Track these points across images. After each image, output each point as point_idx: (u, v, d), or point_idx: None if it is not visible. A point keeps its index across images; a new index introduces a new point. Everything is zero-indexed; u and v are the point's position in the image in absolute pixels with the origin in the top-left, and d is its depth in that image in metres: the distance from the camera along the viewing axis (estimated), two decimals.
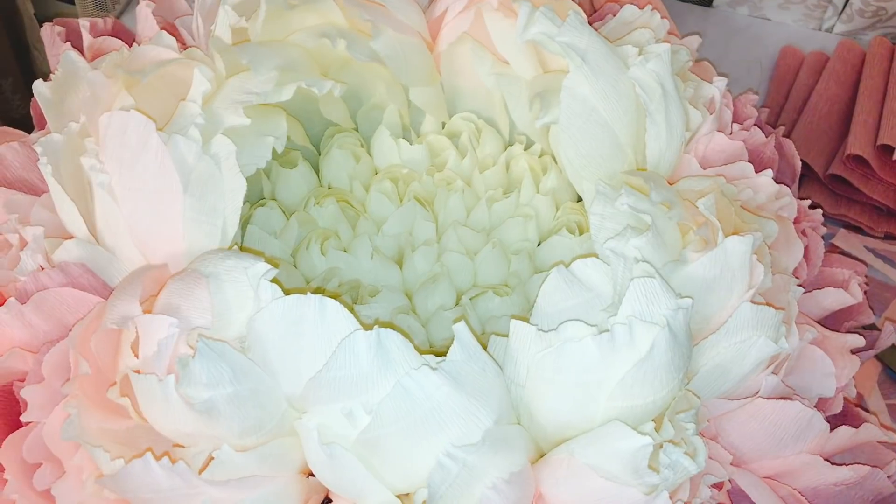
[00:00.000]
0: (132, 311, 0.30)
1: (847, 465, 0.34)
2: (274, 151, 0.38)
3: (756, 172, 0.40)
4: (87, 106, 0.37)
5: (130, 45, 0.43)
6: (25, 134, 0.43)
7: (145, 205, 0.34)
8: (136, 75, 0.36)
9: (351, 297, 0.40)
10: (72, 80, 0.38)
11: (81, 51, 0.44)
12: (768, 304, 0.33)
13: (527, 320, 0.32)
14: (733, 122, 0.43)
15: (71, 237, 0.35)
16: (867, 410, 0.42)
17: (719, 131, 0.41)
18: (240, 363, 0.28)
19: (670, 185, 0.38)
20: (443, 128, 0.47)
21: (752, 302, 0.33)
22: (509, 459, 0.29)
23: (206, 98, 0.36)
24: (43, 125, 0.43)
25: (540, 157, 0.45)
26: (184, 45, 0.42)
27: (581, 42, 0.37)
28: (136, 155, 0.34)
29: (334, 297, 0.29)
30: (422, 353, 0.29)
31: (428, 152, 0.45)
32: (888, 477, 0.34)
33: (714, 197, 0.35)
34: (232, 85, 0.37)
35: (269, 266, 0.30)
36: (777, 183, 0.40)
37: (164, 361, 0.29)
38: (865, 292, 0.40)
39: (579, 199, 0.44)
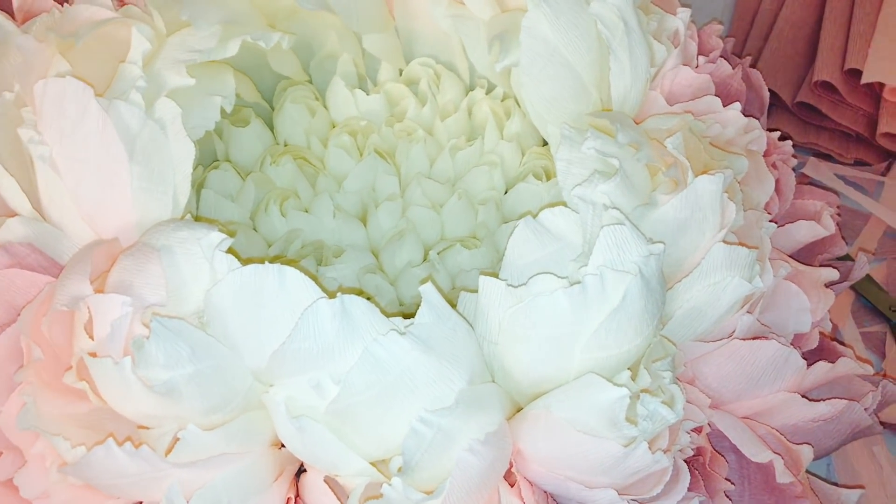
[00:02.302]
0: (83, 291, 0.29)
1: (824, 400, 0.33)
2: (224, 110, 0.36)
3: (724, 106, 0.39)
4: (20, 73, 0.35)
5: (65, 3, 0.40)
6: None
7: (90, 177, 0.33)
8: (70, 38, 0.34)
9: (315, 258, 0.38)
10: (1, 46, 0.36)
11: (11, 13, 0.41)
12: (741, 244, 0.33)
13: (496, 275, 0.31)
14: (699, 54, 0.41)
15: (14, 215, 0.34)
16: (842, 342, 0.42)
17: (685, 65, 0.40)
18: (199, 340, 0.27)
19: (637, 124, 0.37)
20: (400, 75, 0.45)
21: (724, 242, 0.32)
22: (484, 419, 0.29)
23: (146, 59, 0.34)
24: None
25: (503, 100, 0.44)
26: (121, 2, 0.40)
27: None
28: (76, 124, 0.32)
29: (292, 263, 0.27)
30: (389, 316, 0.28)
31: (386, 102, 0.44)
32: (864, 409, 0.34)
33: (682, 135, 0.34)
34: (173, 43, 0.35)
35: (224, 235, 0.29)
36: (745, 115, 0.39)
37: (118, 343, 0.27)
38: (838, 223, 0.40)
39: (545, 143, 0.43)
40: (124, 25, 0.35)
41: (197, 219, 0.38)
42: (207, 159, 0.42)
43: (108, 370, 0.27)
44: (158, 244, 0.29)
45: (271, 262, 0.28)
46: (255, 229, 0.40)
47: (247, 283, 0.28)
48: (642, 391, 0.29)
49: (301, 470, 0.32)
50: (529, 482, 0.31)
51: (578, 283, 0.29)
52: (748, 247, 0.33)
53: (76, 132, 0.32)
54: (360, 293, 0.28)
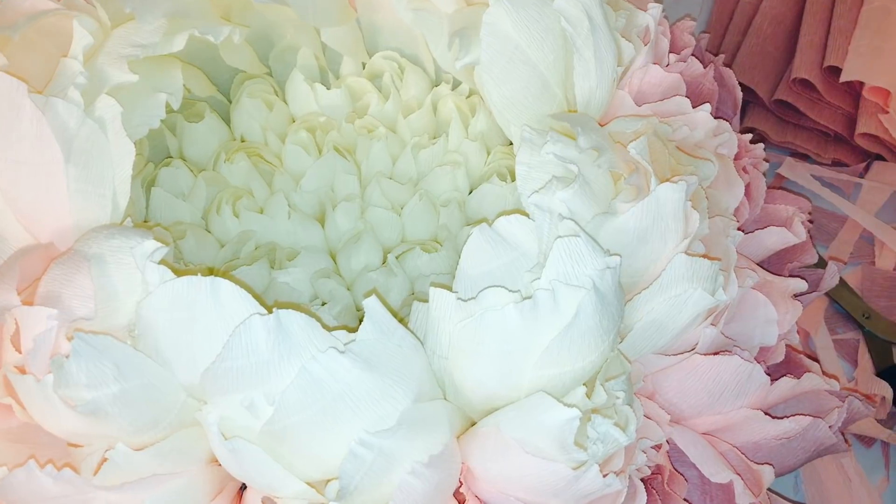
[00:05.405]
0: (9, 302, 0.28)
1: (788, 417, 0.32)
2: (171, 105, 0.35)
3: (694, 106, 0.37)
4: None
5: None
6: None
7: (25, 178, 0.31)
8: (6, 31, 0.33)
9: (268, 261, 0.37)
10: None
11: None
12: (704, 256, 0.31)
13: (449, 288, 0.30)
14: (670, 51, 0.40)
15: None
16: (810, 354, 0.41)
17: (655, 63, 0.38)
18: (126, 357, 0.26)
19: (602, 126, 0.35)
20: (363, 69, 0.44)
21: (686, 253, 0.31)
22: (429, 440, 0.28)
23: (88, 53, 0.33)
24: None
25: (468, 97, 0.42)
26: None
27: None
28: (10, 123, 0.31)
29: (223, 275, 0.26)
30: (331, 330, 0.27)
31: (348, 97, 0.42)
32: (829, 427, 0.33)
33: (646, 139, 0.33)
34: (116, 37, 0.34)
35: (159, 244, 0.27)
36: (718, 115, 0.38)
37: (42, 359, 0.26)
38: (809, 231, 0.38)
39: (511, 142, 0.42)
40: (67, 17, 0.34)
41: (144, 223, 0.37)
42: (159, 156, 0.41)
43: (31, 388, 0.26)
44: (90, 252, 0.28)
45: (206, 274, 0.26)
46: (207, 230, 0.38)
47: (179, 295, 0.26)
48: (593, 412, 0.28)
49: (243, 486, 0.31)
50: (479, 501, 0.29)
51: (530, 297, 0.28)
52: (711, 258, 0.31)
53: (10, 132, 0.31)
54: (297, 307, 0.26)
